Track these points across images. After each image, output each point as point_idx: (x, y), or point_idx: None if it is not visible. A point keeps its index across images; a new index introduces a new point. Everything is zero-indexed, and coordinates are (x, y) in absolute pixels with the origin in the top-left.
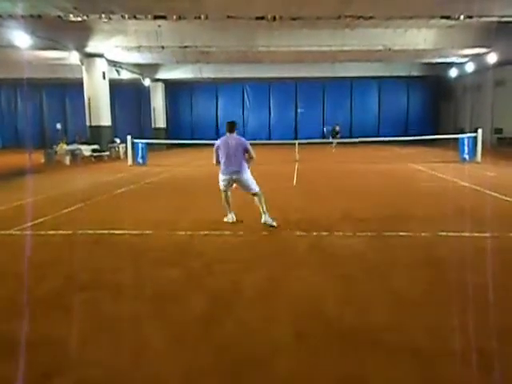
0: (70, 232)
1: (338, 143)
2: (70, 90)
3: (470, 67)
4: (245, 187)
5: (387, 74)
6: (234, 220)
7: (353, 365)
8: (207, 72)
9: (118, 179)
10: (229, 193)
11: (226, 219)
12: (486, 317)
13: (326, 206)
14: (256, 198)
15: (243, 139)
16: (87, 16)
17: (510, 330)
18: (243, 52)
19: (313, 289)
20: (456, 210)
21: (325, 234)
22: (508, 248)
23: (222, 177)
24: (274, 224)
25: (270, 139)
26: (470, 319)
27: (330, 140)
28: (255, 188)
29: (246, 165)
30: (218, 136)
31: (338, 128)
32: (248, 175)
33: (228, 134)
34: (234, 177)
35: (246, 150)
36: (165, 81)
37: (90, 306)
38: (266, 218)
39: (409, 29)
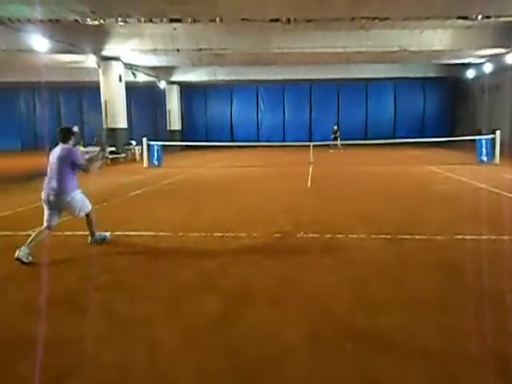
0: (86, 233)
1: (342, 145)
2: (86, 92)
3: (487, 68)
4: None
5: (403, 75)
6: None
7: (366, 367)
8: (222, 74)
9: (133, 181)
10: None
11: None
12: (501, 320)
13: (340, 207)
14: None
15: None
16: (104, 20)
17: None
18: (257, 54)
19: (326, 291)
20: (473, 213)
21: (339, 236)
22: None
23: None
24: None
25: (284, 141)
26: (484, 322)
27: (331, 142)
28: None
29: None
30: (232, 137)
31: (335, 127)
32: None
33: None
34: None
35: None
36: (180, 83)
37: (104, 307)
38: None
39: (425, 30)
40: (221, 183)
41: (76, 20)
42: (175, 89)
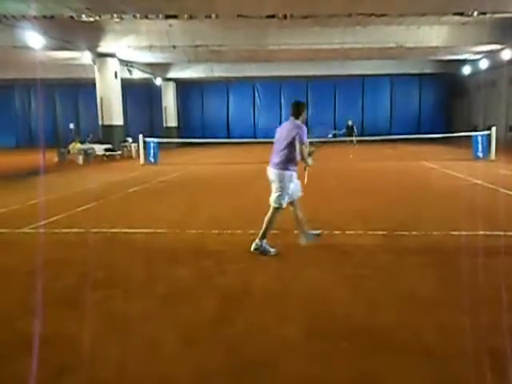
0: (83, 230)
1: (353, 141)
2: (82, 89)
3: (483, 64)
4: None
5: (399, 71)
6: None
7: (364, 365)
8: (218, 71)
9: (130, 178)
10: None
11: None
12: (498, 316)
13: (337, 204)
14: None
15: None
16: (99, 16)
17: None
18: (254, 51)
19: (324, 288)
20: (469, 209)
21: (336, 232)
22: None
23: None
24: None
25: None
26: (482, 319)
27: (350, 138)
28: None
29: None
30: (229, 134)
31: (350, 122)
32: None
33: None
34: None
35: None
36: (176, 80)
37: (102, 305)
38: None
39: (421, 26)
40: (217, 180)
41: (71, 16)
42: (171, 85)
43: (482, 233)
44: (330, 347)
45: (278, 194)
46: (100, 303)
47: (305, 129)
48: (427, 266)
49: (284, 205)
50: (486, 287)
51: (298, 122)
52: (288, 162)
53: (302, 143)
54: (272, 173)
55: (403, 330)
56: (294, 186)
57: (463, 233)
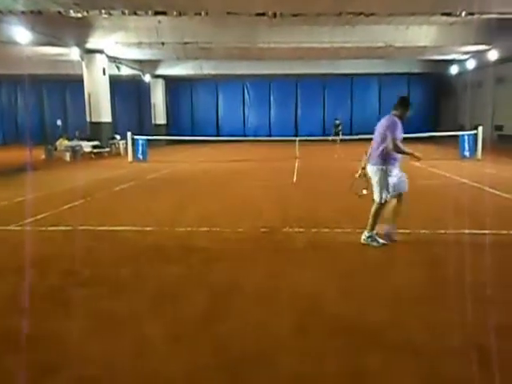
0: (70, 228)
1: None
2: (70, 85)
3: (470, 64)
4: None
5: (388, 70)
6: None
7: (353, 361)
8: (207, 68)
9: (118, 175)
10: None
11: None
12: (485, 313)
13: (325, 202)
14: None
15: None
16: (87, 12)
17: (509, 327)
18: (244, 48)
19: (313, 285)
20: (455, 208)
21: (325, 230)
22: (506, 245)
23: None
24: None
25: (270, 136)
26: (469, 316)
27: (332, 138)
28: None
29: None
30: (218, 132)
31: (338, 121)
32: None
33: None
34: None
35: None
36: (165, 77)
37: (90, 303)
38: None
39: (410, 26)
40: (206, 178)
41: (59, 12)
42: (160, 82)
43: (467, 231)
44: (321, 345)
45: (377, 189)
46: (87, 301)
47: (397, 123)
48: (415, 263)
49: (385, 199)
50: (473, 284)
51: (394, 117)
52: (382, 157)
53: (393, 138)
54: (369, 169)
55: (393, 328)
56: (397, 181)
57: (449, 231)
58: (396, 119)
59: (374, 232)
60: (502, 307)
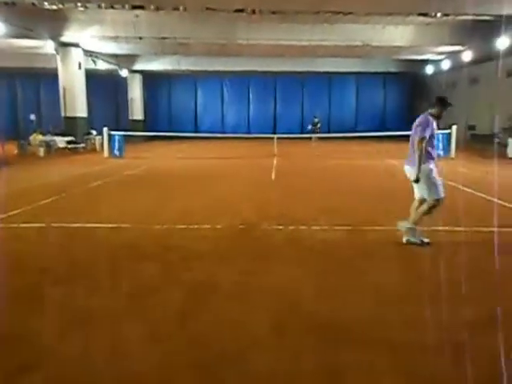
0: (43, 225)
1: (318, 138)
2: (44, 79)
3: (445, 65)
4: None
5: (365, 69)
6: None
7: (330, 359)
8: (186, 64)
9: (93, 172)
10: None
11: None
12: (460, 310)
13: (303, 200)
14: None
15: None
16: (62, 4)
17: (483, 323)
18: (222, 45)
19: (290, 282)
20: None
21: (302, 227)
22: (479, 242)
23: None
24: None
25: (248, 133)
26: (444, 313)
27: (310, 135)
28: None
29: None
30: (196, 129)
31: (316, 119)
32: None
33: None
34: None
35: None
36: (142, 72)
37: (64, 300)
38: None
39: (387, 25)
40: (184, 175)
41: (33, 3)
42: (138, 78)
43: (441, 228)
44: (296, 341)
45: (427, 190)
46: (62, 299)
47: (430, 122)
48: (391, 260)
49: (442, 195)
50: (448, 280)
51: (428, 116)
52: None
53: (421, 137)
54: (408, 170)
55: (369, 324)
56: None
57: (424, 228)
58: (430, 118)
59: (417, 228)
60: (476, 303)
